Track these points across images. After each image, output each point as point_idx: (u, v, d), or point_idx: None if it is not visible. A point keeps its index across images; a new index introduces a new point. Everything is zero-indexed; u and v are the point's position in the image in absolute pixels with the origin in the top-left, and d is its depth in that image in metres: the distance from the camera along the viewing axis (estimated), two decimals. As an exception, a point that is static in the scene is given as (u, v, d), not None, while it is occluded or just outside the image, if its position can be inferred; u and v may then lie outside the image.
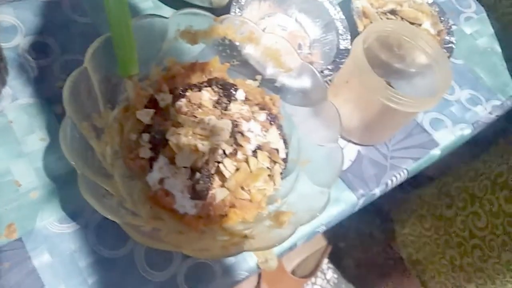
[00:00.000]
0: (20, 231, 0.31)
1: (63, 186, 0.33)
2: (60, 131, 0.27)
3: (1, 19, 0.38)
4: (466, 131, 0.49)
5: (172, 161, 0.33)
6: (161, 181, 0.33)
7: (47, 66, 0.37)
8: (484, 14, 0.63)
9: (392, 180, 0.43)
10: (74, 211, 0.32)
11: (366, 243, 0.87)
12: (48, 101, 0.36)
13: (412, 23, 0.52)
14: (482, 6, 0.63)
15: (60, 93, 0.29)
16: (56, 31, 0.39)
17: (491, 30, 0.61)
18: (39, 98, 0.36)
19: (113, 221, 0.26)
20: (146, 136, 0.34)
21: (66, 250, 0.31)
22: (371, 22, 0.48)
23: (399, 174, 0.43)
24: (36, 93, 0.36)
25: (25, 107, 0.35)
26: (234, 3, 0.40)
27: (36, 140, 0.34)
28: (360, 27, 0.47)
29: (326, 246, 0.87)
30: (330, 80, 0.44)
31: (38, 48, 0.38)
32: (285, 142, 0.38)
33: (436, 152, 0.46)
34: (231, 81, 0.38)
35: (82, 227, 0.32)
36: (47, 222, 0.32)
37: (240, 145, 0.35)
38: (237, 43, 0.37)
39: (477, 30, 0.60)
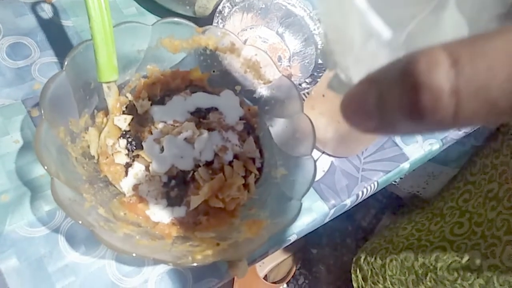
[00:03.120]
0: (-12, 234, 0.30)
1: (35, 189, 0.33)
2: (35, 135, 0.27)
3: (-21, 17, 0.38)
4: (435, 146, 0.52)
5: (147, 167, 0.34)
6: (135, 187, 0.33)
7: (25, 67, 0.37)
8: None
9: (363, 192, 0.45)
10: (45, 215, 0.32)
11: (338, 250, 0.89)
12: (25, 103, 0.35)
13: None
14: None
15: (37, 95, 0.29)
16: (36, 33, 0.39)
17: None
18: (15, 100, 0.35)
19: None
20: (122, 142, 0.34)
21: (35, 254, 0.31)
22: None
23: (370, 186, 0.45)
24: (13, 95, 0.35)
25: (0, 109, 0.35)
26: (217, 14, 0.41)
27: (10, 142, 0.34)
28: (339, 43, 0.48)
29: (298, 252, 0.88)
30: (307, 93, 0.46)
31: (17, 49, 0.38)
32: (261, 152, 0.39)
33: (405, 166, 0.48)
34: (210, 90, 0.39)
35: (52, 231, 0.32)
36: (16, 226, 0.31)
37: (217, 155, 0.35)
38: (218, 54, 0.38)
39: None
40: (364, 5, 0.16)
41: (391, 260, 0.60)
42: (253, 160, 0.38)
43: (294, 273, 0.88)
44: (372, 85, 0.13)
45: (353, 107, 0.14)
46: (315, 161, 0.36)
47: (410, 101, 0.12)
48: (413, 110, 0.12)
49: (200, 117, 0.37)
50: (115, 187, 0.33)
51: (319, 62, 0.46)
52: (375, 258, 0.63)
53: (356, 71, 0.18)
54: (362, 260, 0.66)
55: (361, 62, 0.17)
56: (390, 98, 0.12)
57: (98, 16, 0.30)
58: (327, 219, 0.43)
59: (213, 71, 0.39)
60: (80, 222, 0.27)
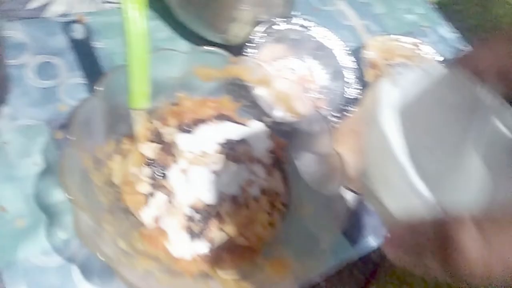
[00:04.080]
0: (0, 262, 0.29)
1: (52, 216, 0.31)
2: (60, 161, 0.26)
3: (11, 35, 0.37)
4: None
5: (170, 198, 0.32)
6: (157, 218, 0.32)
7: (52, 88, 0.36)
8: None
9: (390, 234, 0.42)
10: (61, 243, 0.31)
11: (345, 281, 0.86)
12: (49, 124, 0.34)
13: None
14: None
15: (62, 117, 0.28)
16: (65, 53, 0.38)
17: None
18: (40, 121, 0.34)
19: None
20: (146, 171, 0.33)
21: (47, 285, 0.29)
22: (379, 73, 0.49)
23: (397, 228, 0.43)
24: (37, 115, 0.34)
25: (24, 129, 0.33)
26: (249, 43, 0.41)
27: (30, 165, 0.32)
28: (367, 77, 0.47)
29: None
30: (335, 128, 0.44)
31: (45, 68, 0.37)
32: (287, 187, 0.37)
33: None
34: (239, 120, 0.38)
35: (67, 262, 0.30)
36: (30, 254, 0.29)
37: (243, 188, 0.34)
38: (249, 84, 0.37)
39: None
40: (405, 162, 0.18)
41: None
42: (279, 195, 0.36)
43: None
44: (412, 234, 0.17)
45: (395, 247, 0.17)
46: (344, 199, 0.34)
47: (442, 254, 0.15)
48: (445, 262, 0.15)
49: (228, 148, 0.35)
50: (136, 217, 0.32)
51: (348, 96, 0.45)
52: None
53: (395, 207, 0.21)
54: None
55: (399, 204, 0.20)
56: (427, 247, 0.16)
57: (138, 42, 0.30)
58: (352, 260, 0.41)
59: (243, 102, 0.38)
60: (99, 254, 0.25)
